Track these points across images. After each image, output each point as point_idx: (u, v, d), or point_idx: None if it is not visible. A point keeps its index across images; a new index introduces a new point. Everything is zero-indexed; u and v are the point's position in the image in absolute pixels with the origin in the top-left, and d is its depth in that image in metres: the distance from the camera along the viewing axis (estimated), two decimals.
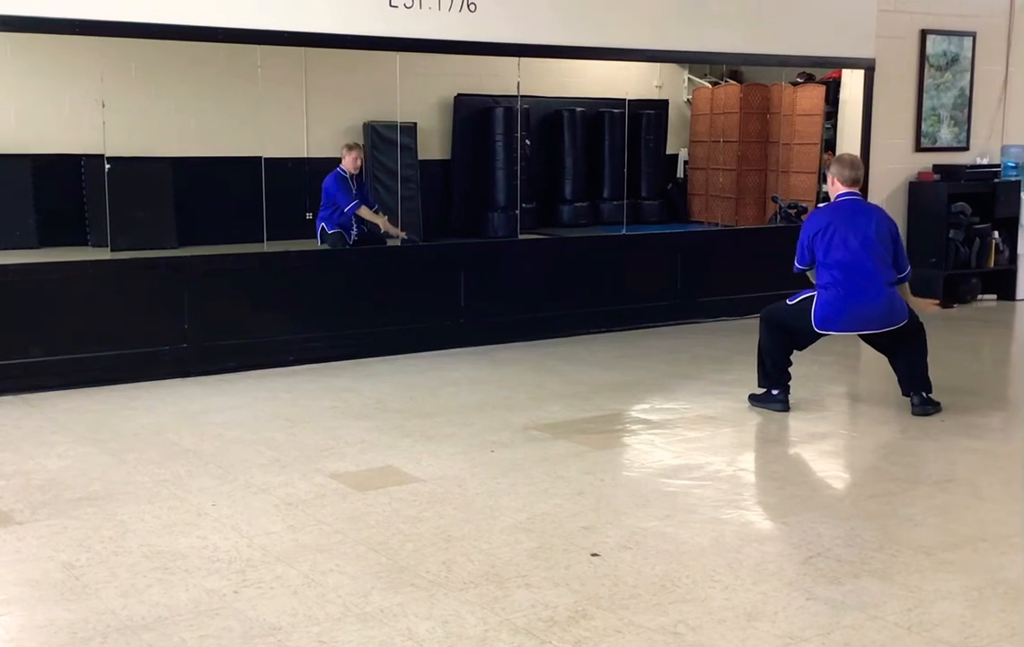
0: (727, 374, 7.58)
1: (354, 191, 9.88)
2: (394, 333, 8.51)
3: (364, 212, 9.87)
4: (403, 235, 10.00)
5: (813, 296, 6.62)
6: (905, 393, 6.79)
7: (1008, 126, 11.59)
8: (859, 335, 6.82)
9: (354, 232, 9.88)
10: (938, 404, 6.67)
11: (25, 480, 5.36)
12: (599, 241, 10.80)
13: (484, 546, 4.47)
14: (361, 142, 10.83)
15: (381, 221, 9.99)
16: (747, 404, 6.82)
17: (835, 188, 6.76)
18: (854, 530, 4.75)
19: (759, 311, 6.96)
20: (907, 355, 6.74)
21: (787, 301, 6.79)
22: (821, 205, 6.75)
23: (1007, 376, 8.72)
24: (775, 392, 6.74)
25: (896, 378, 6.83)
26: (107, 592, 4.02)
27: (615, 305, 9.54)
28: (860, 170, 6.88)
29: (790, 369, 6.78)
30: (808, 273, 6.84)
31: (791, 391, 6.76)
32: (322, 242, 9.85)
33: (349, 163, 9.80)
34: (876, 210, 6.91)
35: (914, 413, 6.64)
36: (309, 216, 9.70)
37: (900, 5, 10.71)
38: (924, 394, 6.69)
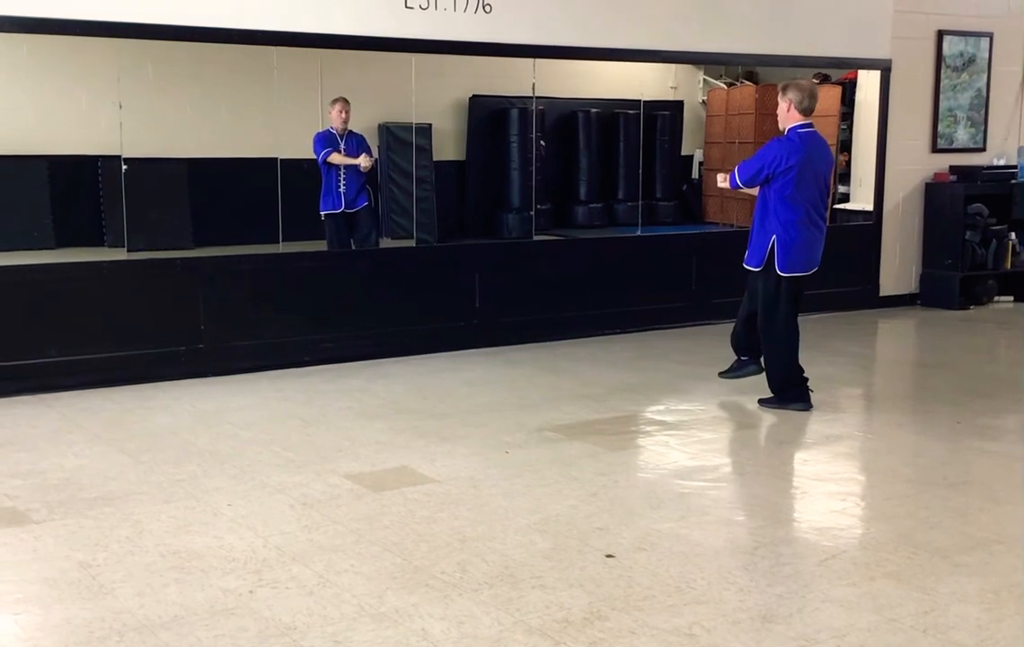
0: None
1: (343, 147, 9.50)
2: (408, 334, 8.52)
3: (335, 157, 9.42)
4: (367, 164, 9.50)
5: (772, 242, 6.46)
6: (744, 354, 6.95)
7: None
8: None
9: (342, 189, 9.46)
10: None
11: (42, 479, 5.39)
12: (614, 242, 10.81)
13: (498, 547, 4.47)
14: (376, 142, 10.83)
15: (360, 160, 9.47)
16: (763, 405, 6.82)
17: (791, 117, 6.45)
18: (869, 532, 4.73)
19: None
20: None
21: (762, 282, 6.59)
22: (786, 133, 6.48)
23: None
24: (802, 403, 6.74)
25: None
26: (123, 591, 4.04)
27: (630, 306, 9.53)
28: (817, 100, 6.59)
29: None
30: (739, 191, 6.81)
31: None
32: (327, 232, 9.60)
33: (334, 117, 9.51)
34: (827, 146, 6.73)
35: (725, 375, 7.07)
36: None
37: (917, 6, 10.66)
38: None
